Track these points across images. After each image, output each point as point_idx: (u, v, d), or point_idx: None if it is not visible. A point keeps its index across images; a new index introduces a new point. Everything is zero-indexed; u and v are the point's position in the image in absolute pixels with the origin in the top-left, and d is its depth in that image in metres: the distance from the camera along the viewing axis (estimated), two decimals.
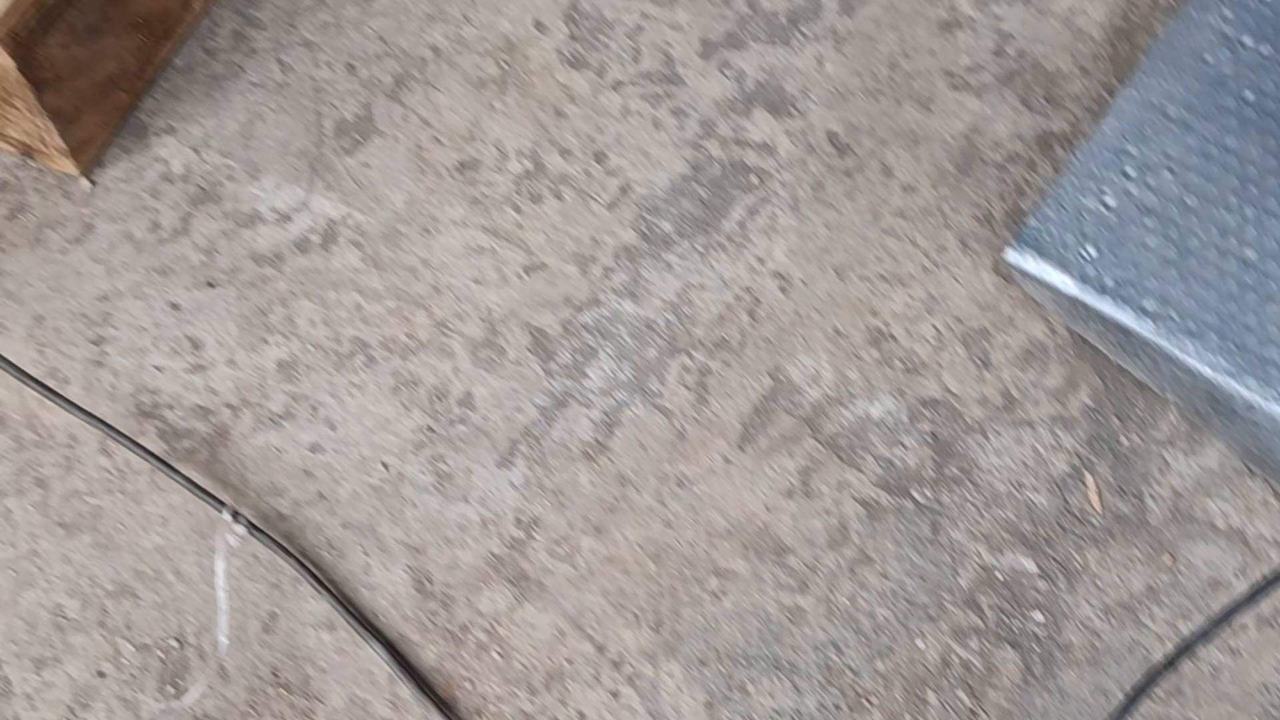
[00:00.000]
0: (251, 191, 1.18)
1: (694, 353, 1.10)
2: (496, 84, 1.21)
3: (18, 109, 1.13)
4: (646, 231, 1.14)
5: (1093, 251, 0.96)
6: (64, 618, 1.04)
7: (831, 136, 1.17)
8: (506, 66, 1.22)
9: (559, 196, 1.16)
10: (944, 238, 1.12)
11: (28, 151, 1.19)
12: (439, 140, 1.19)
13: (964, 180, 1.14)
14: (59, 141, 1.15)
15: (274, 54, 1.24)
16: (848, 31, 1.21)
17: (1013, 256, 0.98)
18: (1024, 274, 0.98)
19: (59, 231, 1.17)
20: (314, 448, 1.09)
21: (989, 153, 1.15)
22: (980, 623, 1.02)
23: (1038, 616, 1.02)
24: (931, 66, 1.19)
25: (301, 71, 1.23)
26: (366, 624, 1.03)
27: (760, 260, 1.12)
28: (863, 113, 1.17)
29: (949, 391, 1.07)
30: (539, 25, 1.23)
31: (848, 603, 1.03)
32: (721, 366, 1.09)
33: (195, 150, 1.20)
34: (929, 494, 1.05)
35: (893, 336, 1.09)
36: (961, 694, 1.01)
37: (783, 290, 1.11)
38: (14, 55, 1.05)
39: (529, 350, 1.11)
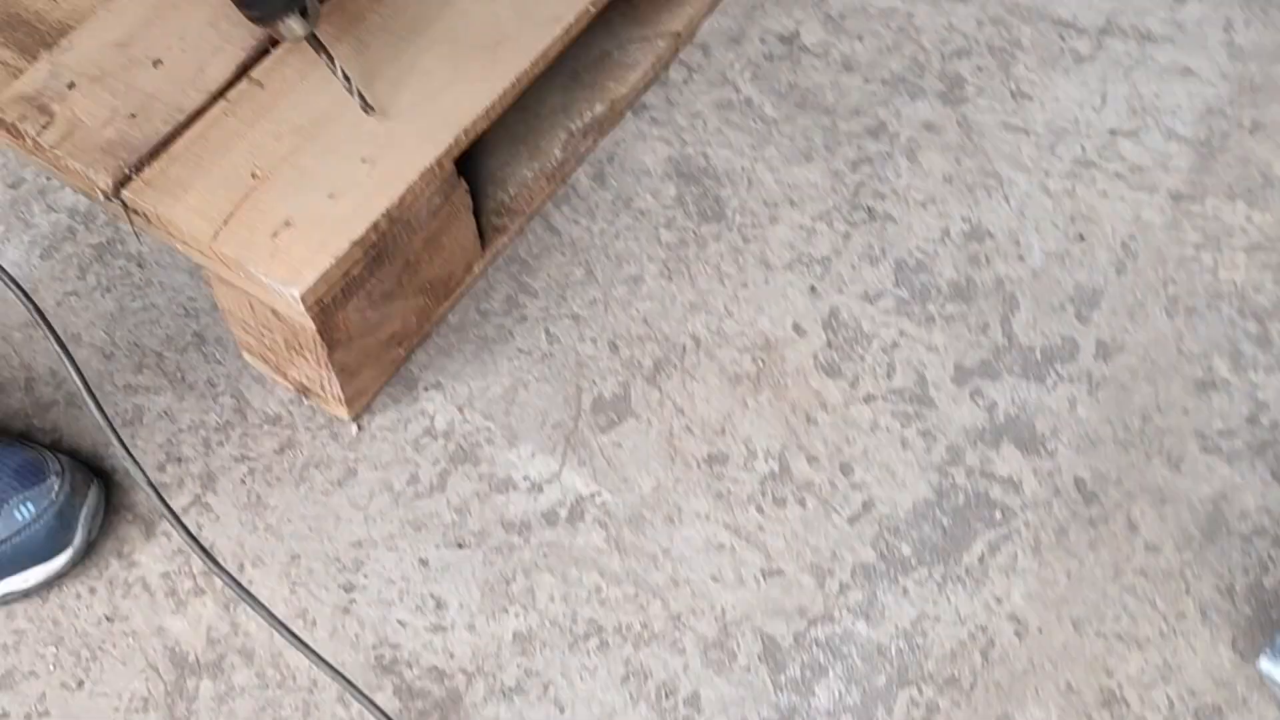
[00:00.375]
0: (508, 457, 1.23)
1: (923, 686, 1.11)
2: (751, 381, 1.25)
3: (306, 359, 1.20)
4: (885, 552, 1.17)
5: None
6: None
7: (1079, 482, 1.18)
8: (762, 364, 1.26)
9: (802, 503, 1.19)
10: (1184, 604, 1.12)
11: (305, 391, 1.26)
12: (691, 430, 1.23)
13: (1208, 547, 1.15)
14: (337, 390, 1.22)
15: (543, 323, 1.29)
16: (1102, 377, 1.23)
17: (1265, 665, 0.99)
18: (1274, 682, 0.99)
19: (323, 472, 1.23)
20: None
21: (1235, 522, 1.16)
22: None
23: None
24: (1184, 425, 1.20)
25: (567, 344, 1.28)
26: None
27: (998, 600, 1.14)
28: (1111, 462, 1.19)
29: None
30: (798, 328, 1.28)
31: None
32: (950, 705, 1.10)
33: (459, 409, 1.25)
34: None
35: (1125, 700, 1.09)
36: None
37: (1018, 635, 1.12)
38: (316, 320, 1.12)
39: (759, 658, 1.13)
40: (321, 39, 1.14)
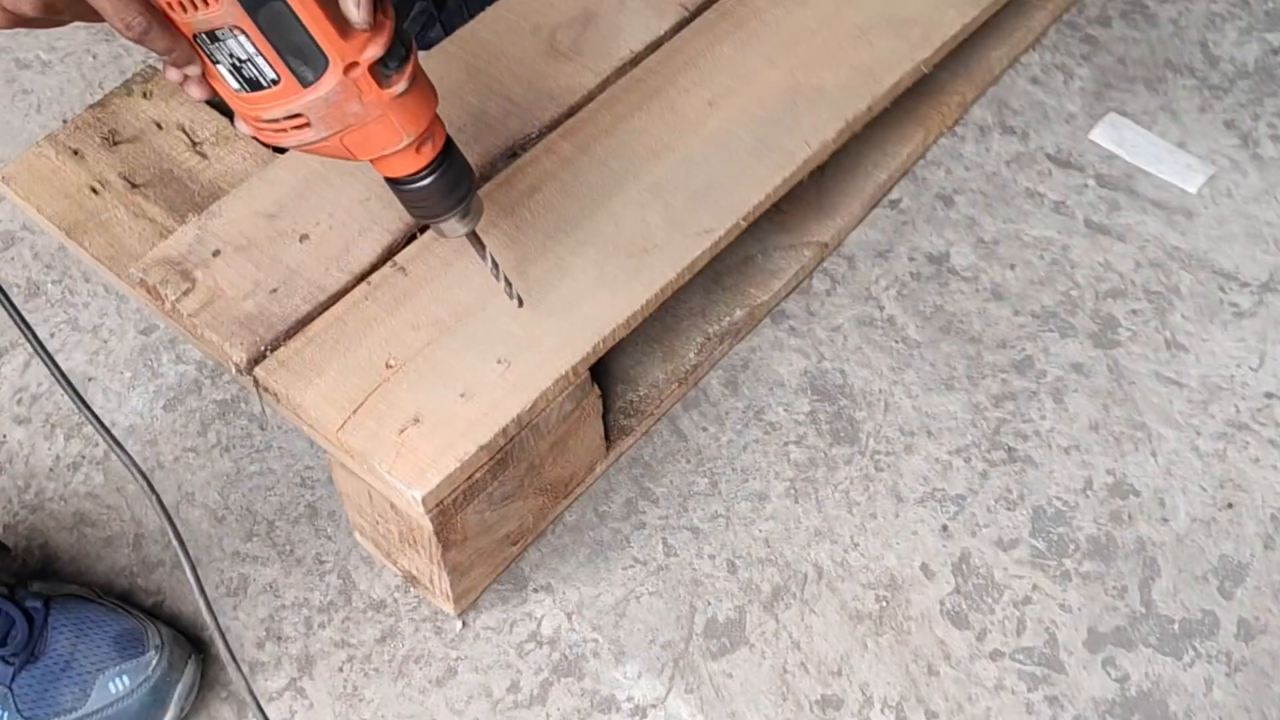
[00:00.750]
0: (613, 675, 1.19)
1: None
2: (873, 621, 1.20)
3: (418, 553, 1.17)
4: None
5: None
6: None
7: None
8: (886, 604, 1.21)
9: None
10: None
11: (412, 581, 1.23)
12: (805, 667, 1.19)
13: None
14: (446, 587, 1.19)
15: (661, 533, 1.26)
16: (1242, 659, 1.17)
17: None
18: None
19: (423, 669, 1.19)
20: None
21: None
22: None
23: None
24: None
25: (684, 558, 1.24)
26: None
27: None
28: None
29: None
30: (926, 569, 1.23)
31: None
32: None
33: (568, 616, 1.22)
34: None
35: None
36: None
37: None
38: (435, 521, 1.10)
39: None
40: (477, 232, 1.11)
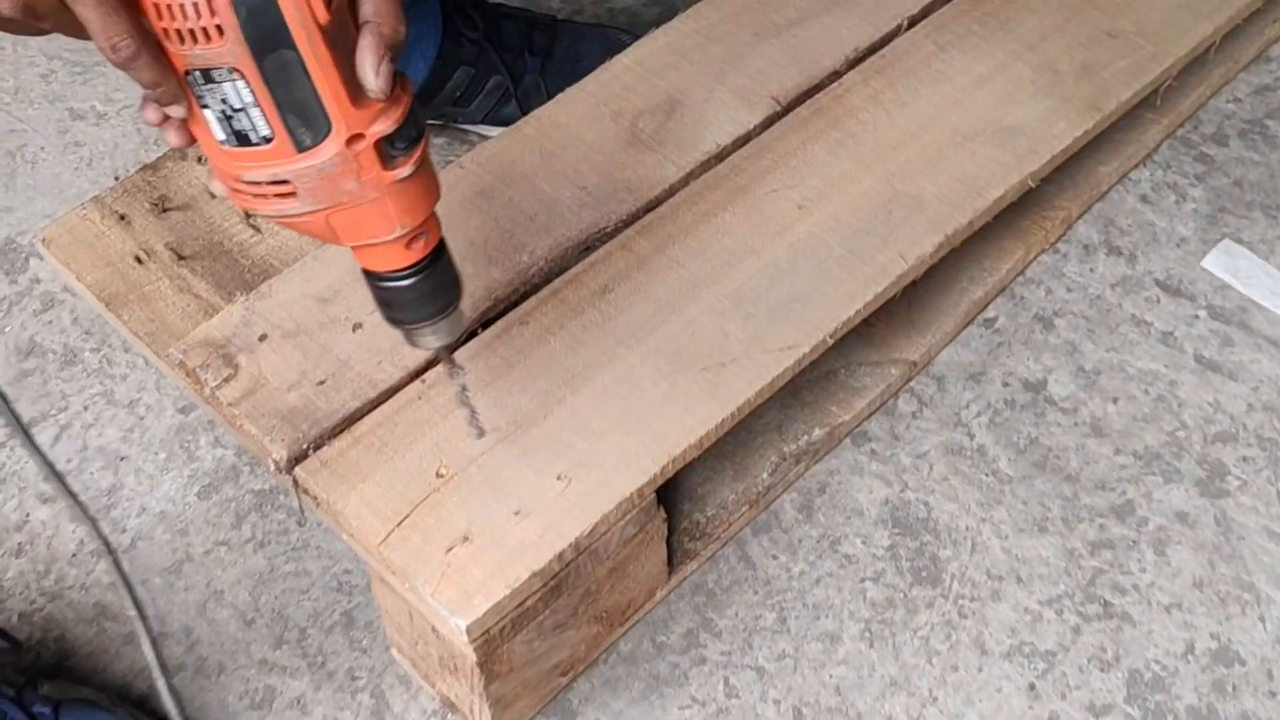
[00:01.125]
0: None
1: None
2: None
3: (459, 681, 1.08)
4: None
5: None
6: None
7: None
8: None
9: None
10: None
11: (451, 707, 1.14)
12: None
13: None
14: (487, 719, 1.09)
15: (723, 670, 1.16)
16: None
17: None
18: None
19: None
20: None
21: None
22: None
23: None
24: None
25: (747, 701, 1.14)
26: None
27: None
28: None
29: None
30: None
31: None
32: None
33: None
34: None
35: None
36: None
37: None
38: (479, 651, 1.01)
39: None
40: (456, 359, 1.01)
